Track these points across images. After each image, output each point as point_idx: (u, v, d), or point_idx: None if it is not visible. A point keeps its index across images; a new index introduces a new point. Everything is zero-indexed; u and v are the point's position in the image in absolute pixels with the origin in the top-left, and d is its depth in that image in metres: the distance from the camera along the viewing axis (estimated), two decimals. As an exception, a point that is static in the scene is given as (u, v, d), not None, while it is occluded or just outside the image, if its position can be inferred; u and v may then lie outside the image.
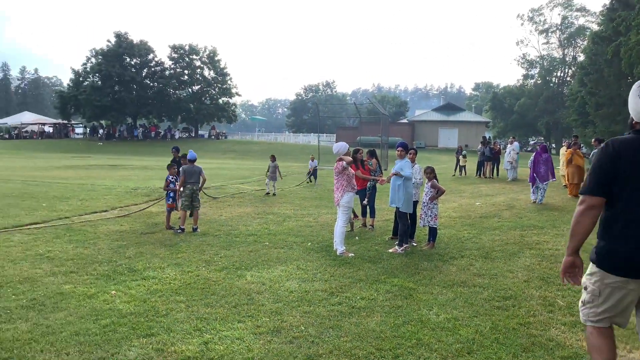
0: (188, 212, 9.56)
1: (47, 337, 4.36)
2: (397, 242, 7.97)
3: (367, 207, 9.92)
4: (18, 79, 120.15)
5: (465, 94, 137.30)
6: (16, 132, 62.04)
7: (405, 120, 68.03)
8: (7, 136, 61.90)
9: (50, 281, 6.01)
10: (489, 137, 37.77)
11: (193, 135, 61.40)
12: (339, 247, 7.64)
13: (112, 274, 6.38)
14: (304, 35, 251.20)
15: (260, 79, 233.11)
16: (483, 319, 5.04)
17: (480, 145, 23.36)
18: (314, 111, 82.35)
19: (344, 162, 7.72)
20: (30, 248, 7.68)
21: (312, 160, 20.74)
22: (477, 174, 22.81)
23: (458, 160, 24.16)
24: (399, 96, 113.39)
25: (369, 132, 49.54)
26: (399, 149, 7.97)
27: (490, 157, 22.45)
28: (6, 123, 66.97)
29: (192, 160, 9.62)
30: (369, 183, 9.69)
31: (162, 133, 59.40)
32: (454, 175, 23.46)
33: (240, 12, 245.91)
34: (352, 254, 7.56)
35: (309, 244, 8.42)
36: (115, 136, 58.14)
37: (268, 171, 15.96)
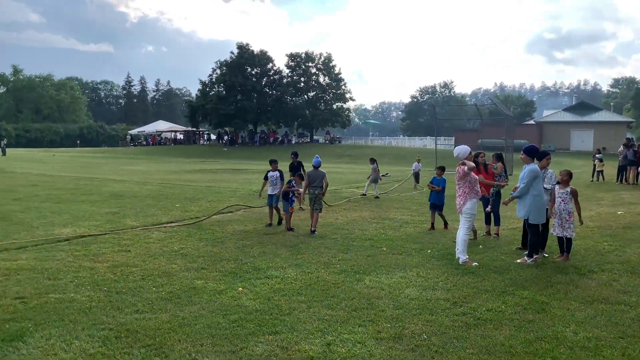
0: (314, 213, 9.89)
1: (183, 328, 4.69)
2: (526, 253, 7.42)
3: (492, 214, 9.38)
4: (153, 91, 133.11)
5: (601, 91, 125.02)
6: (152, 138, 68.79)
7: (531, 122, 63.66)
8: (145, 143, 68.95)
9: (185, 276, 6.49)
10: (632, 138, 33.91)
11: (308, 140, 63.24)
12: (461, 255, 7.30)
13: (238, 272, 6.72)
14: (419, 34, 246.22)
15: (374, 83, 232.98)
16: (631, 340, 4.49)
17: (622, 148, 21.03)
18: (430, 113, 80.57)
19: (466, 167, 7.35)
20: (167, 245, 8.37)
21: (418, 162, 20.22)
22: (618, 179, 20.58)
23: (594, 165, 22.03)
24: (525, 95, 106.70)
25: (491, 135, 46.92)
26: (523, 155, 7.38)
27: (634, 161, 20.11)
28: (144, 131, 74.60)
29: (317, 166, 10.00)
30: (492, 189, 9.16)
31: (279, 139, 62.00)
32: (591, 180, 21.46)
33: (355, 16, 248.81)
34: (476, 263, 7.18)
35: (429, 251, 8.17)
36: (238, 142, 61.84)
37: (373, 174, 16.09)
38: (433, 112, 50.25)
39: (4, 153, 42.56)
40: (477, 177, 7.64)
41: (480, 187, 7.79)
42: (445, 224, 10.17)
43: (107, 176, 22.00)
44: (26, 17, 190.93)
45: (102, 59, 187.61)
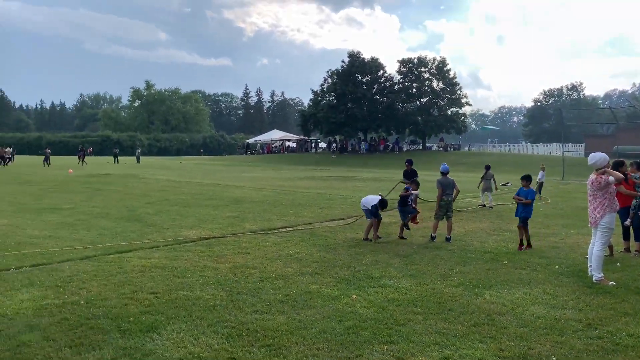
0: (439, 222, 9.80)
1: (300, 331, 4.78)
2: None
3: (631, 228, 8.41)
4: (268, 101, 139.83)
5: None
6: (267, 147, 72.22)
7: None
8: (260, 151, 72.61)
9: (300, 280, 6.64)
10: None
11: (421, 147, 62.09)
12: (595, 273, 6.62)
13: (351, 279, 6.73)
14: (542, 34, 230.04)
15: (493, 87, 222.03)
16: None
17: None
18: (556, 118, 75.03)
19: (611, 178, 6.63)
20: (283, 249, 8.65)
21: (542, 171, 18.80)
22: None
23: None
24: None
25: (628, 141, 42.27)
26: None
27: None
28: (260, 139, 78.55)
29: (445, 173, 9.95)
30: (634, 200, 8.22)
31: (390, 146, 61.63)
32: None
33: (469, 18, 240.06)
34: (613, 283, 6.47)
35: (557, 266, 7.53)
36: (348, 150, 62.58)
37: (482, 181, 15.24)
38: (560, 116, 46.53)
39: (138, 161, 47.33)
40: (615, 189, 6.90)
41: (618, 198, 7.03)
42: (529, 243, 8.92)
43: (227, 182, 23.42)
44: (156, 36, 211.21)
45: (221, 72, 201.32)
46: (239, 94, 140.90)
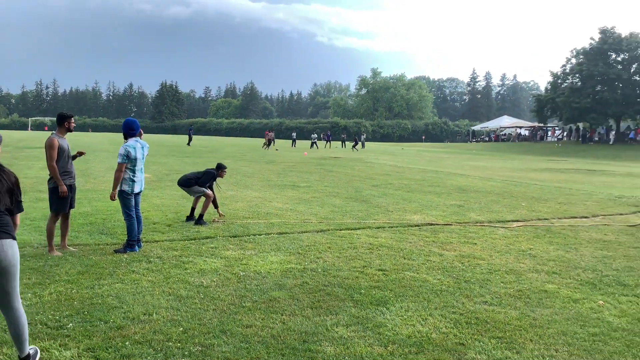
0: None
1: (534, 329, 4.42)
2: None
3: None
4: (498, 86, 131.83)
5: None
6: (494, 135, 68.29)
7: None
8: (487, 139, 69.11)
9: (533, 277, 6.12)
10: None
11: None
12: None
13: (597, 283, 5.92)
14: None
15: None
16: None
17: None
18: None
19: None
20: (513, 243, 8.09)
21: None
22: None
23: None
24: None
25: None
26: None
27: None
28: (487, 127, 74.87)
29: None
30: None
31: (647, 136, 52.13)
32: None
33: None
34: None
35: None
36: (594, 139, 55.06)
37: None
38: None
39: (363, 146, 49.97)
40: None
41: None
42: None
43: (450, 170, 23.01)
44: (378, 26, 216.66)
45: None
46: (465, 78, 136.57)
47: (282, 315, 4.61)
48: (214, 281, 5.57)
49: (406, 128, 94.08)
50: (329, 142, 50.37)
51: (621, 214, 11.20)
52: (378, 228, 9.03)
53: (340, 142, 53.25)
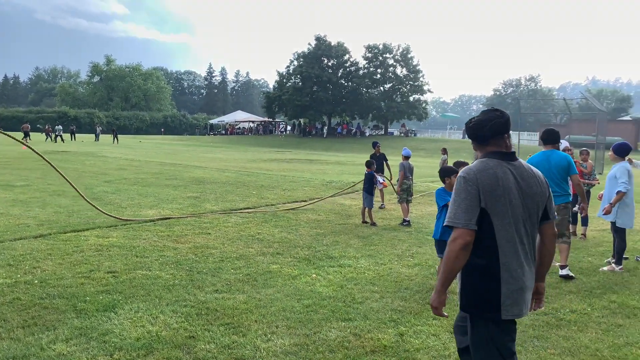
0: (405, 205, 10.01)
1: (259, 310, 4.84)
2: (613, 260, 6.93)
3: (578, 214, 8.84)
4: (233, 82, 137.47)
5: None
6: (230, 128, 71.27)
7: (628, 118, 59.26)
8: (223, 132, 71.63)
9: (261, 260, 6.68)
10: None
11: (383, 132, 62.65)
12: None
13: (312, 259, 6.82)
14: (503, 25, 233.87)
15: (453, 75, 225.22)
16: None
17: None
18: (514, 108, 76.98)
19: None
20: (244, 230, 8.65)
21: (444, 154, 18.54)
22: None
23: None
24: (620, 90, 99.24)
25: (580, 131, 44.53)
26: (611, 153, 6.91)
27: None
28: (223, 120, 77.46)
29: (407, 157, 10.31)
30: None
31: (353, 130, 61.93)
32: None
33: (434, 6, 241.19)
34: (558, 264, 6.81)
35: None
36: (312, 133, 62.50)
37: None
38: (517, 106, 48.14)
39: (97, 139, 45.91)
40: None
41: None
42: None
43: (188, 162, 23.07)
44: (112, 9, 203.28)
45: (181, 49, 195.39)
46: (203, 72, 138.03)
47: (-16, 340, 3.93)
48: None
49: (144, 120, 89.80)
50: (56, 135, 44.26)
51: (331, 196, 13.09)
52: (109, 227, 8.47)
53: (70, 135, 47.28)
